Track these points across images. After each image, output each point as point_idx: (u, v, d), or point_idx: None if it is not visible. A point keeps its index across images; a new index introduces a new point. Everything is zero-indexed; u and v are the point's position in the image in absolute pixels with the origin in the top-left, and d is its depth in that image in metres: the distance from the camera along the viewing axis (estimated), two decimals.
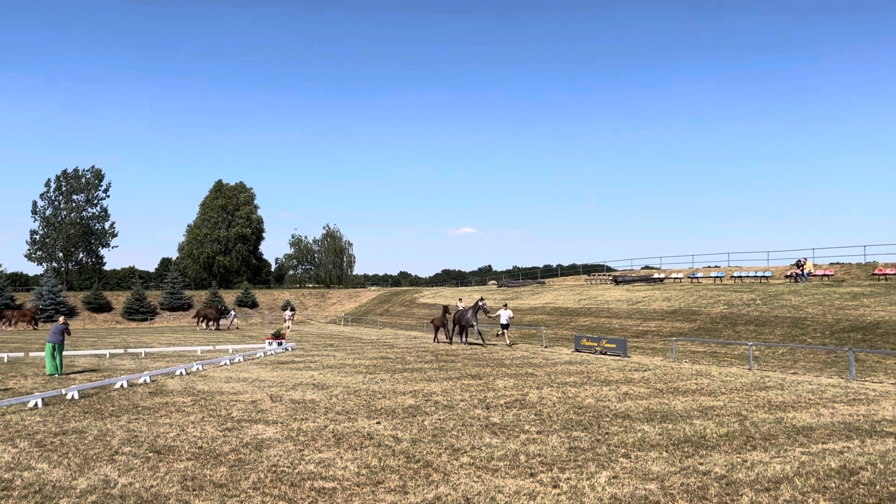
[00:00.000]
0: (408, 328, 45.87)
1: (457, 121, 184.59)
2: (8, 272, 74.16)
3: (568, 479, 7.44)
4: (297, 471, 7.82)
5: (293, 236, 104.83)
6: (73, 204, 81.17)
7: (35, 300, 60.18)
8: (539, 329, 30.89)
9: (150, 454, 8.64)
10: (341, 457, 8.48)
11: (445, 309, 31.66)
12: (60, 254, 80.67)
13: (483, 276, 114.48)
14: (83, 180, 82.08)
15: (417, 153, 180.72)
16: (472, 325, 28.80)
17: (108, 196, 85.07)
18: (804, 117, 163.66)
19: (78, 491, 7.06)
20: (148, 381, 16.24)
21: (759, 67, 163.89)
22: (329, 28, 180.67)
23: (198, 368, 19.21)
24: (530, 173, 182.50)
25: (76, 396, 13.58)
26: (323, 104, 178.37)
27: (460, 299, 34.52)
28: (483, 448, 8.94)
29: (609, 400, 13.09)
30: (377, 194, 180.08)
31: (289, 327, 46.46)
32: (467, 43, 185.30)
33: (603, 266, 63.47)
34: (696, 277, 43.34)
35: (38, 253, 79.88)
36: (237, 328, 51.36)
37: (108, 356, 24.47)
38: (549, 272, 74.58)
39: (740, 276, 40.65)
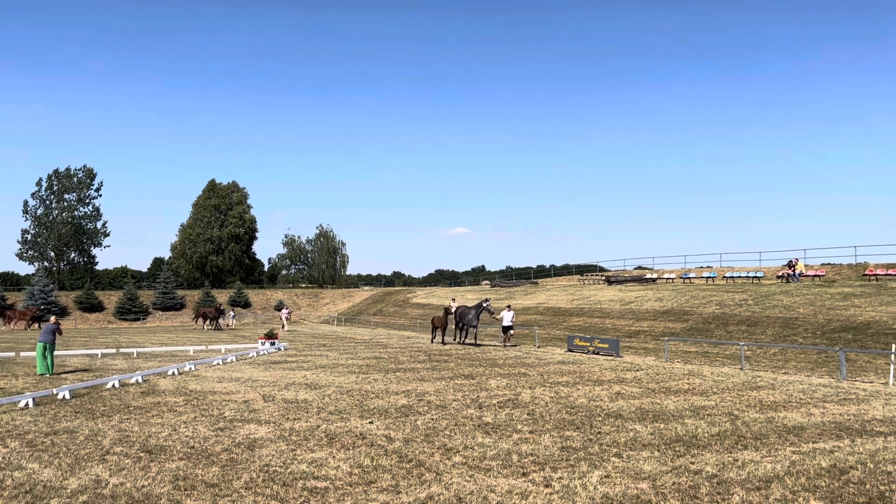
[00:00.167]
0: (401, 328, 45.86)
1: (450, 121, 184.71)
2: None
3: (560, 478, 7.46)
4: (289, 470, 7.81)
5: (286, 236, 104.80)
6: (65, 203, 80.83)
7: (26, 300, 59.86)
8: (532, 329, 30.93)
9: (141, 454, 8.61)
10: (334, 456, 8.48)
11: (447, 310, 30.95)
12: (52, 253, 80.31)
13: (476, 276, 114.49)
14: (75, 179, 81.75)
15: (411, 153, 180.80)
16: (474, 326, 28.23)
17: (100, 195, 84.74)
18: (797, 119, 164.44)
19: (69, 491, 7.03)
20: (140, 380, 16.18)
21: (752, 69, 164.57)
22: (323, 28, 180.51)
23: (190, 368, 19.15)
24: (524, 174, 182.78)
25: (67, 396, 13.52)
26: (316, 104, 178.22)
27: (453, 299, 34.49)
28: (475, 447, 8.95)
29: (601, 400, 13.12)
30: (370, 194, 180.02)
31: (284, 326, 46.34)
32: (460, 43, 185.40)
33: (596, 266, 63.66)
34: (689, 278, 43.48)
35: (29, 252, 79.51)
36: (234, 327, 51.17)
37: (99, 356, 24.37)
38: (543, 272, 74.68)
39: (732, 277, 40.80)
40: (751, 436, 9.62)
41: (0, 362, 22.02)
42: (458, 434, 9.83)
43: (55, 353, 20.07)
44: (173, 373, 17.95)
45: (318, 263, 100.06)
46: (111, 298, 66.83)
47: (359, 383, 15.86)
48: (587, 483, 7.25)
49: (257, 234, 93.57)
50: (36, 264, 79.09)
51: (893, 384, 15.34)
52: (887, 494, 6.81)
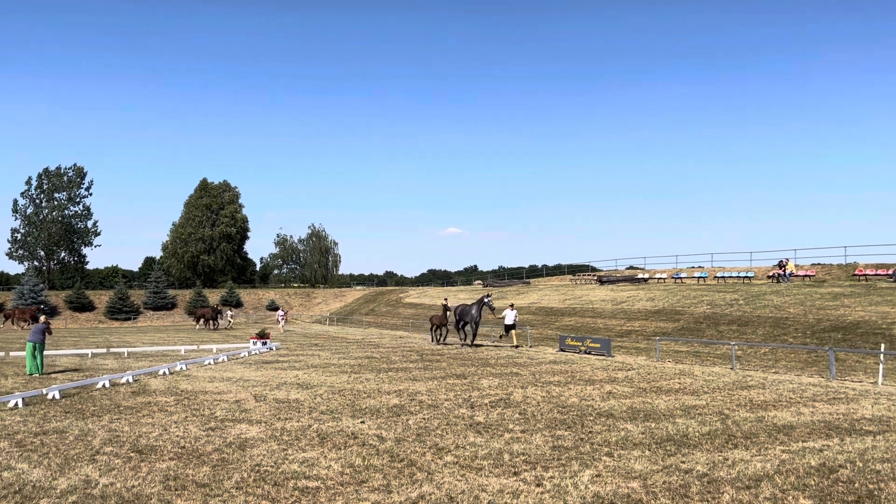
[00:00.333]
0: (393, 328, 45.82)
1: (443, 121, 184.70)
2: None
3: (551, 477, 7.47)
4: (280, 470, 7.80)
5: (278, 236, 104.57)
6: (55, 202, 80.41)
7: (16, 299, 59.49)
8: (524, 329, 30.96)
9: (131, 454, 8.57)
10: (325, 456, 8.46)
11: (446, 308, 30.07)
12: (42, 252, 79.87)
13: (469, 276, 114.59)
14: (65, 178, 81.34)
15: (403, 153, 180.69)
16: (477, 322, 27.30)
17: (91, 194, 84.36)
18: (788, 120, 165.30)
19: (58, 491, 7.00)
20: (130, 380, 16.11)
21: (745, 69, 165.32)
22: (315, 28, 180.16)
23: (181, 368, 19.08)
24: (516, 174, 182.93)
25: (57, 396, 13.45)
26: (309, 104, 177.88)
27: (445, 299, 34.38)
28: (467, 447, 8.95)
29: (593, 399, 13.15)
30: (363, 194, 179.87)
31: (281, 328, 46.20)
32: (453, 44, 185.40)
33: (588, 266, 63.78)
34: (680, 278, 43.63)
35: (19, 252, 79.05)
36: (232, 328, 50.92)
37: (90, 356, 24.25)
38: (535, 272, 74.78)
39: (723, 277, 40.97)
40: (741, 435, 9.66)
41: None
42: (449, 433, 9.84)
43: (45, 352, 19.95)
44: (164, 372, 17.87)
45: (311, 263, 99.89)
46: (102, 298, 66.48)
47: (350, 383, 15.84)
48: (578, 482, 7.26)
49: (249, 234, 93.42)
50: (26, 263, 78.64)
51: (882, 383, 15.44)
52: (876, 493, 6.86)
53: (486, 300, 27.09)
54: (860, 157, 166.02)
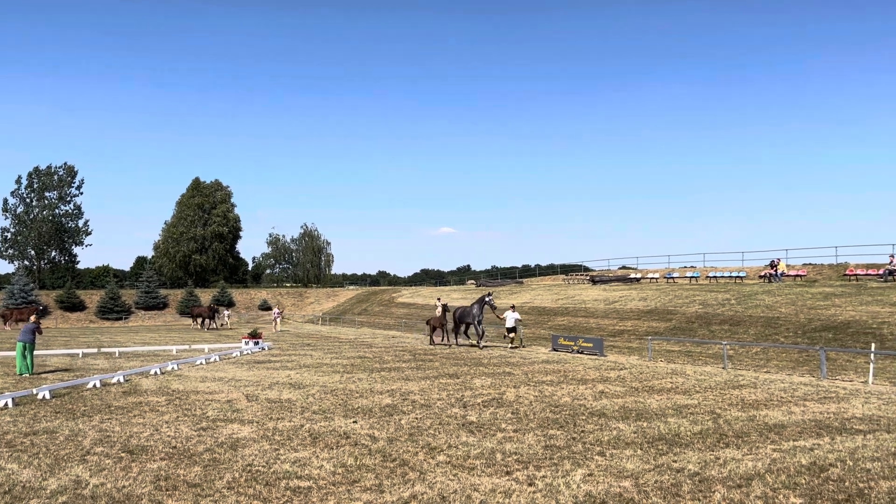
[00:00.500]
0: (386, 327, 45.78)
1: (436, 121, 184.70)
2: None
3: (543, 476, 7.48)
4: (272, 470, 7.77)
5: (271, 235, 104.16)
6: (46, 201, 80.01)
7: (6, 299, 59.11)
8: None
9: (122, 454, 8.53)
10: (317, 456, 8.44)
11: (445, 308, 29.43)
12: (32, 252, 79.43)
13: (462, 275, 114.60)
14: (56, 177, 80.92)
15: (396, 153, 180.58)
16: (479, 322, 26.84)
17: (82, 193, 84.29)
18: (780, 121, 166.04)
19: (48, 491, 6.95)
20: (121, 380, 16.03)
21: (739, 70, 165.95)
22: (307, 28, 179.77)
23: (173, 368, 19.01)
24: (509, 174, 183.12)
25: (47, 396, 13.37)
26: (301, 104, 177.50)
27: (438, 298, 34.32)
28: (460, 446, 8.95)
29: (585, 398, 13.17)
30: (356, 194, 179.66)
31: (276, 327, 46.08)
32: (444, 43, 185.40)
33: (580, 266, 63.87)
34: (672, 277, 43.76)
35: (9, 251, 78.61)
36: (228, 327, 50.71)
37: (80, 355, 24.13)
38: (528, 272, 74.86)
39: (715, 277, 41.12)
40: (732, 434, 9.70)
41: None
42: (442, 433, 9.83)
43: (35, 352, 19.83)
44: (156, 372, 17.80)
45: (303, 263, 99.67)
46: (93, 298, 66.16)
47: (343, 383, 15.81)
48: (570, 481, 7.27)
49: (241, 234, 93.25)
50: (16, 263, 78.25)
51: (873, 383, 15.53)
52: (866, 491, 6.89)
53: (487, 299, 26.70)
54: (852, 158, 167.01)
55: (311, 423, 10.62)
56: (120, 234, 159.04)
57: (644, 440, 9.29)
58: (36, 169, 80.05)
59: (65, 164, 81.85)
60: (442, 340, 29.22)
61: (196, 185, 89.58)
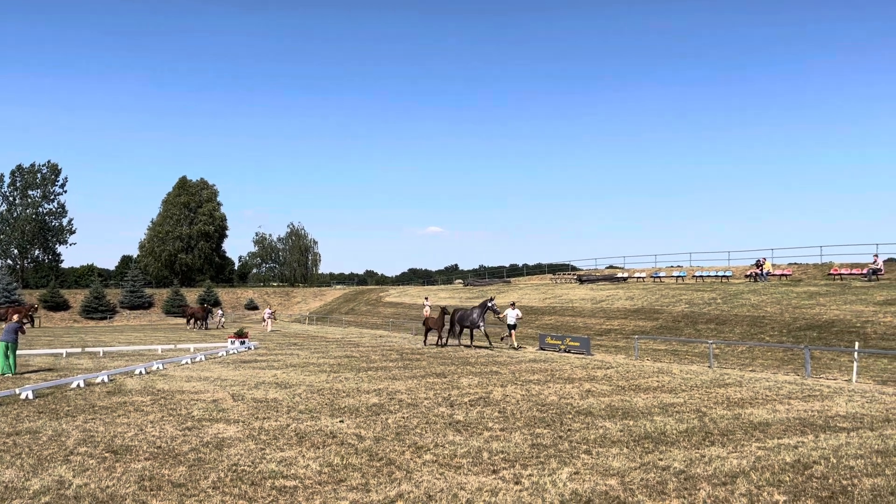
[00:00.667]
0: (373, 327, 45.69)
1: (423, 121, 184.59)
2: None
3: (530, 475, 7.48)
4: (257, 470, 7.73)
5: (257, 234, 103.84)
6: (29, 199, 79.12)
7: None
8: (493, 326, 31.01)
9: (106, 454, 8.45)
10: (303, 455, 8.41)
11: (443, 310, 28.49)
12: (15, 251, 78.59)
13: (449, 275, 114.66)
14: (39, 175, 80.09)
15: (384, 153, 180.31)
16: (479, 327, 26.42)
17: (66, 191, 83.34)
18: (766, 121, 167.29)
19: (31, 492, 6.88)
20: (106, 380, 15.90)
21: (726, 70, 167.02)
22: (295, 27, 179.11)
23: (158, 367, 18.88)
24: (497, 174, 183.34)
25: (30, 396, 13.22)
26: (286, 103, 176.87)
27: (426, 298, 34.27)
28: (446, 445, 8.94)
29: (572, 397, 13.21)
30: (343, 193, 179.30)
31: (268, 327, 45.81)
32: (434, 43, 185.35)
33: (568, 265, 64.07)
34: (659, 277, 43.97)
35: None
36: (223, 327, 50.29)
37: (64, 355, 23.91)
38: (515, 271, 74.99)
39: (702, 276, 41.36)
40: (718, 432, 9.75)
41: None
42: (428, 432, 9.82)
43: (18, 352, 19.62)
44: (140, 372, 17.66)
45: (290, 262, 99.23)
46: (77, 297, 65.57)
47: (330, 382, 15.76)
48: (557, 480, 7.28)
49: (227, 233, 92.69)
50: None
51: (856, 381, 15.68)
52: (849, 489, 6.95)
53: (489, 304, 26.39)
54: (836, 159, 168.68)
55: (298, 423, 10.57)
56: (105, 232, 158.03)
57: (630, 438, 9.33)
58: (19, 167, 79.24)
59: (48, 162, 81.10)
60: (438, 342, 28.71)
61: (182, 184, 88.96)
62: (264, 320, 46.89)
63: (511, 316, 27.01)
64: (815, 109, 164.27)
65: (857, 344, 18.43)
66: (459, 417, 11.02)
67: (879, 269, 31.69)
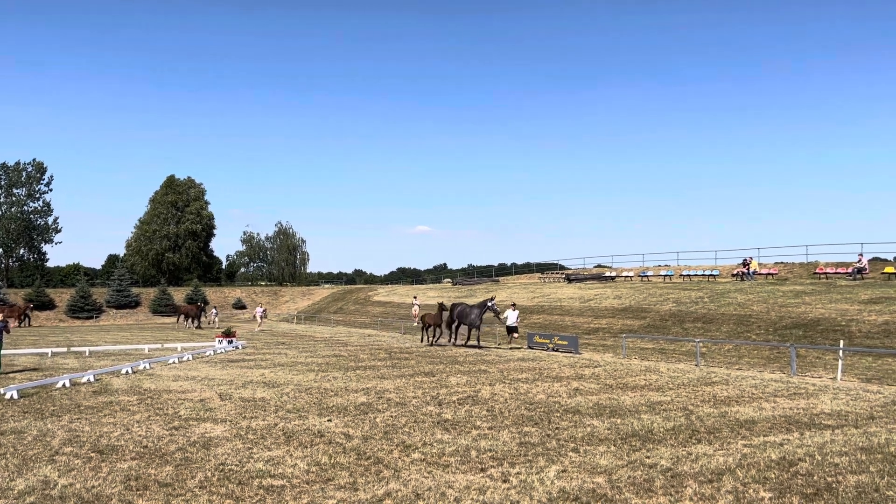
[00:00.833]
0: (362, 326, 45.61)
1: (411, 121, 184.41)
2: None
3: (518, 473, 7.50)
4: (245, 469, 7.70)
5: (245, 233, 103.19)
6: (14, 198, 78.35)
7: None
8: (492, 326, 31.05)
9: (92, 454, 8.39)
10: (291, 454, 8.38)
11: (441, 306, 28.12)
12: (0, 250, 77.77)
13: (438, 274, 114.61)
14: (24, 174, 79.31)
15: (372, 152, 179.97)
16: (477, 327, 26.27)
17: (51, 190, 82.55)
18: (753, 121, 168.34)
19: (16, 492, 6.82)
20: (92, 379, 15.78)
21: (716, 70, 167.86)
22: (283, 26, 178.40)
23: (145, 367, 18.76)
24: (486, 173, 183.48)
25: (15, 396, 13.11)
26: (275, 102, 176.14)
27: (415, 297, 34.22)
28: (434, 444, 8.94)
29: (560, 396, 13.24)
30: (331, 192, 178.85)
31: (259, 325, 45.56)
32: (423, 43, 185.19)
33: (556, 264, 64.19)
34: (647, 276, 44.16)
35: None
36: (217, 326, 49.97)
37: (50, 355, 23.71)
38: (504, 270, 75.07)
39: (689, 275, 41.57)
40: (704, 430, 9.81)
41: None
42: (417, 431, 9.82)
43: (3, 351, 19.44)
44: (127, 371, 17.55)
45: (278, 261, 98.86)
46: (63, 296, 65.01)
47: (318, 381, 15.72)
48: (544, 478, 7.30)
49: (215, 231, 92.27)
50: None
51: (841, 379, 15.81)
52: (834, 486, 7.01)
53: (490, 304, 26.16)
54: (822, 159, 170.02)
55: (285, 422, 10.54)
56: (91, 231, 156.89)
57: (617, 436, 9.37)
58: (3, 165, 78.39)
59: (34, 160, 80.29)
60: (437, 339, 28.52)
61: (170, 183, 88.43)
62: (258, 319, 46.81)
63: (512, 317, 26.64)
64: (810, 110, 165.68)
65: (842, 342, 18.58)
66: (448, 416, 11.02)
67: (864, 268, 31.99)
